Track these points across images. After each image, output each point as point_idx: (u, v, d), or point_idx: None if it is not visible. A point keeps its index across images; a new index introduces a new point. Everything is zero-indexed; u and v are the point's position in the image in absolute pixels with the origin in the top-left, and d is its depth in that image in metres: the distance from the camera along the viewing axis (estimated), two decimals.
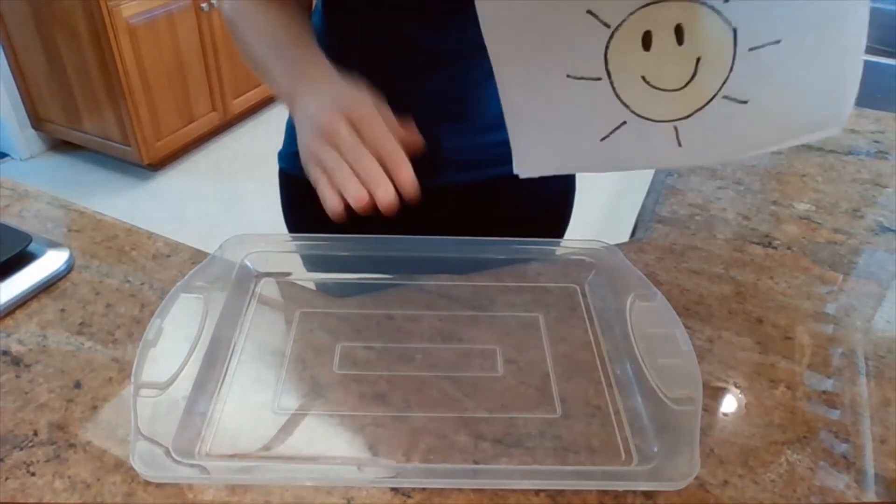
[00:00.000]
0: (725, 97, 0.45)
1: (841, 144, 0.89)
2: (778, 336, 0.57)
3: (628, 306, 0.57)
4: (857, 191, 0.79)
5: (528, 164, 0.51)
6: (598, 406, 0.49)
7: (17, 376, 0.50)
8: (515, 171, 0.51)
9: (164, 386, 0.48)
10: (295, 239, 0.67)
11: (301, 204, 0.85)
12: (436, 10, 0.65)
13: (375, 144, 0.48)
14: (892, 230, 0.72)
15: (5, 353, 0.52)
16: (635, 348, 0.52)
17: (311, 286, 0.62)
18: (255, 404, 0.49)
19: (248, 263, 0.62)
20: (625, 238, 0.71)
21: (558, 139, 0.51)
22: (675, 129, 0.47)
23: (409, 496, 0.42)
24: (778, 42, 0.43)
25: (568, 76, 0.46)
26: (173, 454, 0.43)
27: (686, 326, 0.55)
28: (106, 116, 2.37)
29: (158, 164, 2.54)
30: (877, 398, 0.51)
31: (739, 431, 0.48)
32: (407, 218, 0.74)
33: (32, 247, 0.60)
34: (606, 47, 0.45)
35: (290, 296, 0.60)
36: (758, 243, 0.69)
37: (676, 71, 0.45)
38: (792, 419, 0.49)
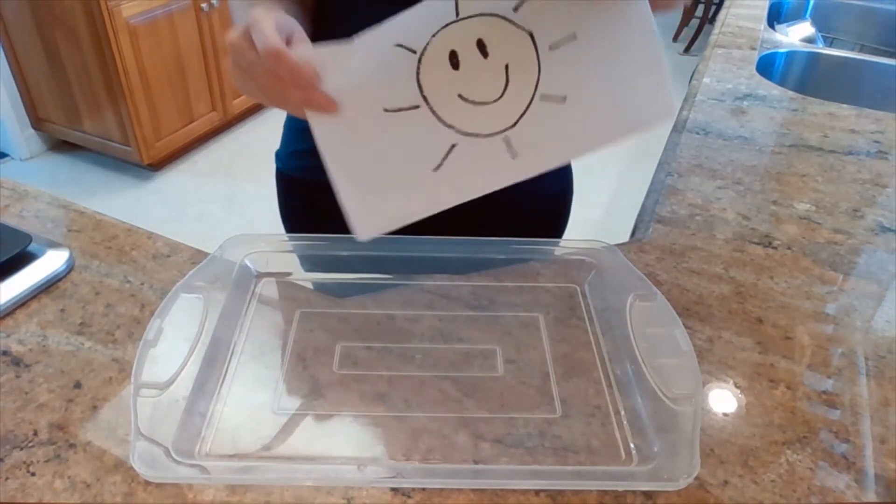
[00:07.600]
0: (543, 96, 0.47)
1: (841, 144, 0.89)
2: (778, 336, 0.57)
3: (628, 306, 0.57)
4: (857, 191, 0.79)
5: (366, 224, 0.52)
6: (598, 406, 0.49)
7: (17, 376, 0.50)
8: (355, 235, 0.52)
9: (164, 386, 0.48)
10: (295, 239, 0.67)
11: (298, 204, 0.85)
12: None
13: (265, 55, 0.47)
14: (892, 230, 0.72)
15: (5, 353, 0.52)
16: (635, 348, 0.52)
17: (311, 286, 0.62)
18: (255, 404, 0.49)
19: (248, 263, 0.62)
20: (625, 238, 0.71)
21: (393, 185, 0.51)
22: (506, 140, 0.48)
23: (409, 496, 0.42)
24: (574, 36, 0.45)
25: (385, 110, 0.48)
26: (173, 454, 0.43)
27: (686, 326, 0.55)
28: (106, 116, 2.37)
29: (158, 164, 2.54)
30: (877, 398, 0.51)
31: (739, 431, 0.48)
32: None
33: (32, 247, 0.60)
34: (417, 73, 0.47)
35: (289, 296, 0.60)
36: (758, 243, 0.69)
37: (489, 82, 0.47)
38: (792, 419, 0.49)
